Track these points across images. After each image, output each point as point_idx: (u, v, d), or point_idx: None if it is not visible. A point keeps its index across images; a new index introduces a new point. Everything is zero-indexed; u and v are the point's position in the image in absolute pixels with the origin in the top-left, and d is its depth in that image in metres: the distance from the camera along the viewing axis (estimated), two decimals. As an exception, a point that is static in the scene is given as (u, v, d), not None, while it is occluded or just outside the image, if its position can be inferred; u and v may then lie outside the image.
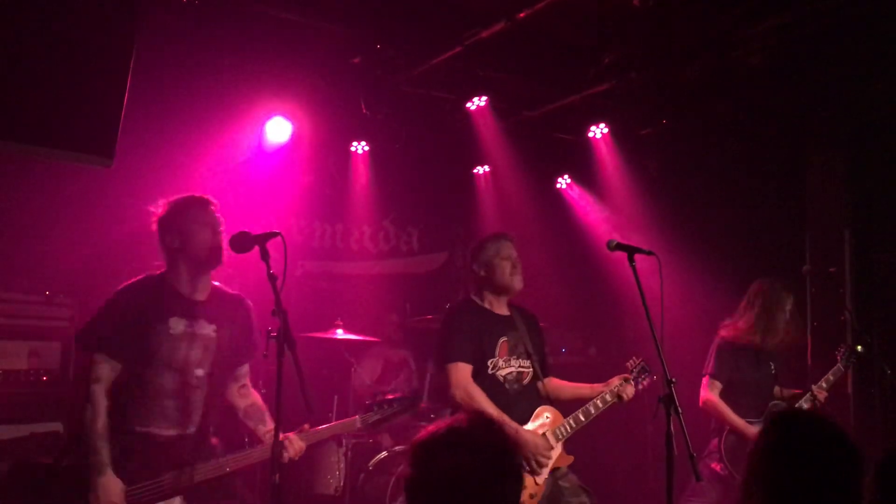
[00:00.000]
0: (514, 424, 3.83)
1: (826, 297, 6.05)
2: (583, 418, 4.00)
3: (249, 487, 5.32)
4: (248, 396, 3.65)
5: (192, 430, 3.35)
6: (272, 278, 3.12)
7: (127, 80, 3.43)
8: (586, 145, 7.21)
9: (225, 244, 3.37)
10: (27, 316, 5.28)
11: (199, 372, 3.37)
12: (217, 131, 6.10)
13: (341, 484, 5.72)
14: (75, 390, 5.31)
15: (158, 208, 3.49)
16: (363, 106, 6.20)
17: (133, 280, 3.44)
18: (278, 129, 6.41)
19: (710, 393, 4.89)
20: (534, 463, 3.83)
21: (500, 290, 4.11)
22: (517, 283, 4.10)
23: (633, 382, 4.17)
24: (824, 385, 4.92)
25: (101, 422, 3.18)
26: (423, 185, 7.95)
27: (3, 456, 4.81)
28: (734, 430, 4.74)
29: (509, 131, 6.95)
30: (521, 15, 5.03)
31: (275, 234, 3.23)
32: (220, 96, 5.95)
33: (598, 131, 7.09)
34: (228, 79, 5.84)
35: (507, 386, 3.97)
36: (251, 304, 3.65)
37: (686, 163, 7.18)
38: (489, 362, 3.97)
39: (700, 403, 4.92)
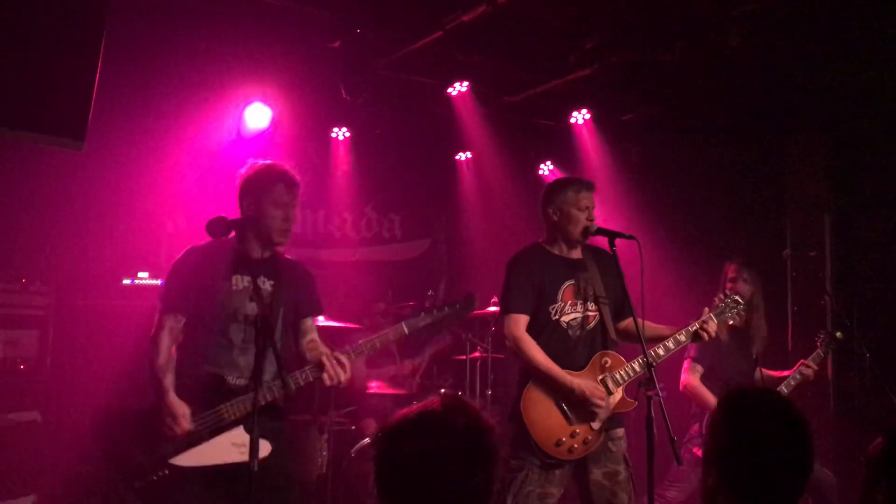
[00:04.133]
0: (562, 373, 3.79)
1: (806, 282, 6.08)
2: (650, 361, 3.79)
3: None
4: (316, 350, 3.67)
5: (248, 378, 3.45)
6: (253, 271, 3.11)
7: (98, 61, 3.37)
8: (568, 131, 7.20)
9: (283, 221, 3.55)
10: (3, 304, 5.22)
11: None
12: (196, 116, 6.04)
13: (324, 470, 5.71)
14: (53, 378, 5.31)
15: (246, 168, 3.65)
16: (343, 91, 6.14)
17: (201, 243, 3.57)
18: (258, 115, 6.35)
19: (690, 377, 4.91)
20: (588, 409, 3.78)
21: (570, 241, 4.00)
22: (586, 237, 3.96)
23: (717, 319, 4.02)
24: (811, 363, 4.94)
25: (162, 358, 3.40)
26: (404, 172, 7.92)
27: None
28: (715, 414, 4.75)
29: (491, 117, 6.93)
30: (502, -2, 4.99)
31: (251, 219, 3.20)
32: (198, 81, 5.89)
33: (579, 117, 7.07)
34: (206, 63, 5.78)
35: (570, 332, 3.91)
36: (309, 268, 3.84)
37: (667, 148, 7.18)
38: (551, 308, 3.91)
39: (680, 387, 4.93)
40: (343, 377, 3.43)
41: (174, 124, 5.89)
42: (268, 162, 3.70)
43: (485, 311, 5.99)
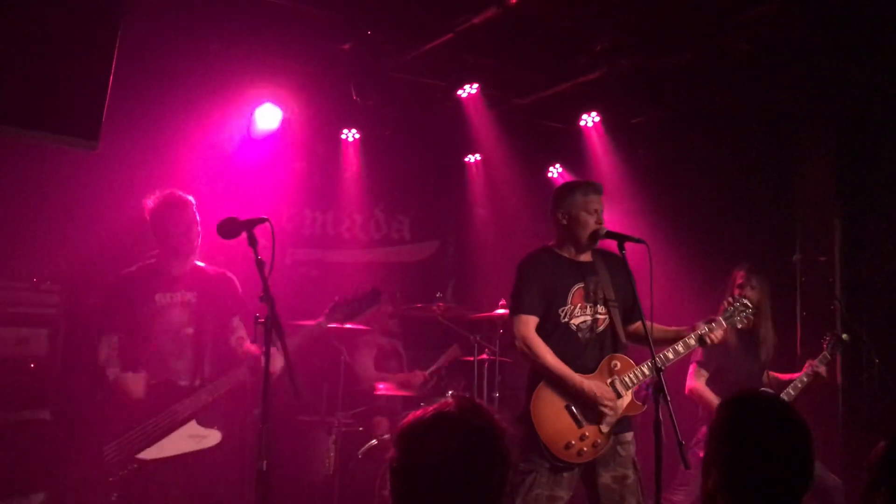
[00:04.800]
0: (572, 374, 3.80)
1: (816, 287, 6.06)
2: (659, 365, 3.82)
3: (239, 472, 5.39)
4: (242, 345, 4.18)
5: (198, 382, 3.99)
6: (260, 264, 3.13)
7: (112, 61, 3.39)
8: (578, 134, 7.20)
9: (207, 232, 3.91)
10: (14, 303, 5.23)
11: (189, 331, 4.04)
12: (206, 117, 6.06)
13: (331, 472, 5.71)
14: (64, 377, 5.33)
15: (150, 201, 4.13)
16: (353, 93, 6.16)
17: (127, 269, 4.15)
18: (268, 116, 6.37)
19: (696, 381, 4.90)
20: (597, 411, 3.79)
21: (579, 244, 4.01)
22: (595, 241, 3.98)
23: (723, 323, 4.03)
24: (819, 365, 4.92)
25: (102, 361, 3.94)
26: (414, 174, 7.93)
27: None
28: (722, 419, 4.73)
29: (501, 119, 6.93)
30: (513, 1, 4.99)
31: (262, 220, 3.23)
32: (209, 82, 5.91)
33: (589, 120, 7.07)
34: (217, 64, 5.80)
35: (579, 335, 3.92)
36: (233, 276, 4.31)
37: (677, 152, 7.17)
38: (560, 311, 3.92)
39: (686, 391, 4.93)
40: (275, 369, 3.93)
41: (185, 125, 5.91)
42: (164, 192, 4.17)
43: (492, 313, 5.99)
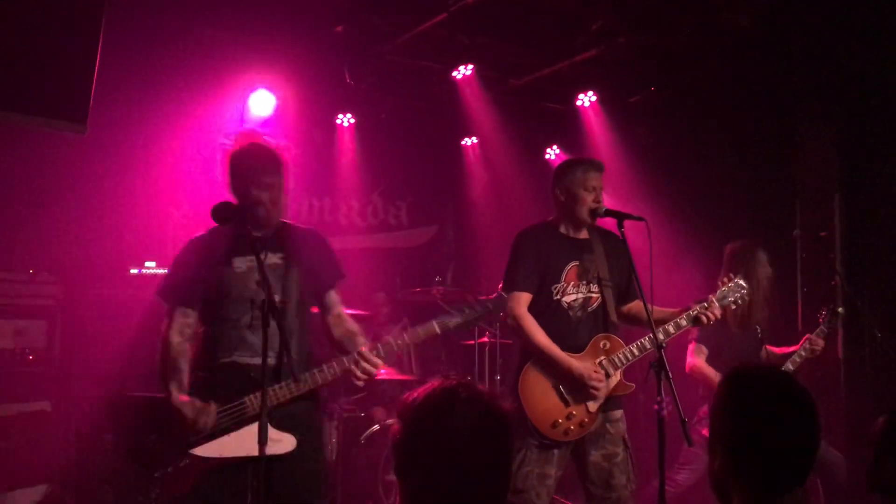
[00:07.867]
0: (561, 354, 3.80)
1: (816, 262, 6.03)
2: (648, 345, 3.82)
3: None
4: (341, 325, 3.52)
5: (273, 357, 3.09)
6: (256, 249, 3.08)
7: (97, 44, 3.35)
8: (574, 114, 7.15)
9: (270, 203, 3.36)
10: (11, 295, 5.23)
11: (274, 299, 3.07)
12: (200, 105, 6.02)
13: (334, 457, 5.71)
14: (62, 368, 5.33)
15: (233, 141, 3.46)
16: (347, 76, 6.12)
17: (198, 233, 3.47)
18: (262, 102, 6.33)
19: (696, 358, 4.88)
20: (584, 391, 3.78)
21: (577, 222, 3.98)
22: (594, 219, 3.93)
23: (716, 303, 3.97)
24: (816, 338, 4.89)
25: (169, 358, 3.26)
26: (410, 158, 7.90)
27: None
28: (723, 396, 4.71)
29: (496, 101, 6.89)
30: (506, -21, 4.96)
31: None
32: (202, 68, 5.87)
33: (586, 99, 7.03)
34: (210, 50, 5.76)
35: (570, 313, 3.90)
36: (324, 235, 3.66)
37: (676, 129, 7.12)
38: (553, 288, 3.91)
39: (686, 369, 4.90)
40: (374, 374, 3.29)
41: (178, 113, 5.88)
42: (253, 139, 3.53)
43: (492, 296, 5.96)
